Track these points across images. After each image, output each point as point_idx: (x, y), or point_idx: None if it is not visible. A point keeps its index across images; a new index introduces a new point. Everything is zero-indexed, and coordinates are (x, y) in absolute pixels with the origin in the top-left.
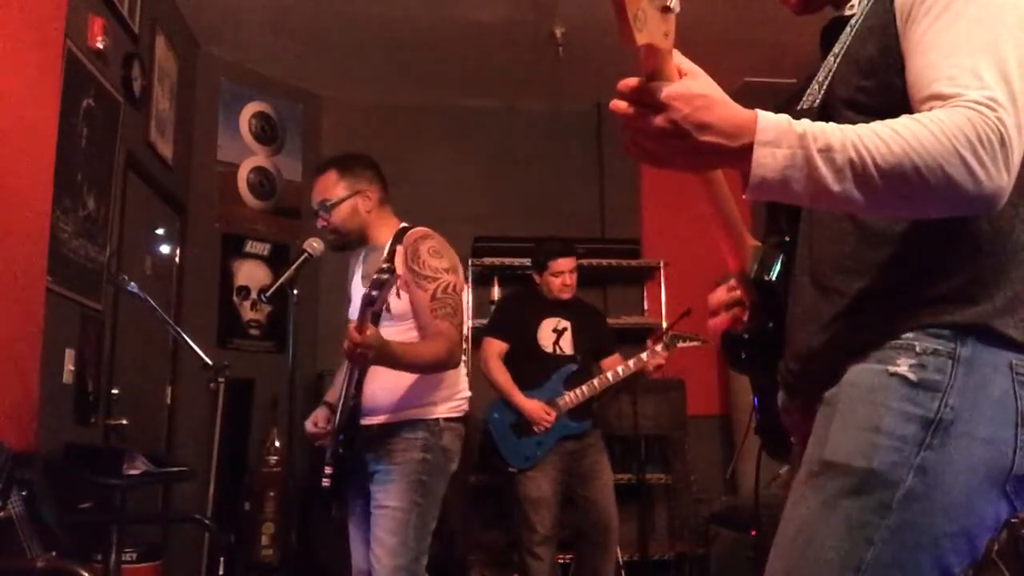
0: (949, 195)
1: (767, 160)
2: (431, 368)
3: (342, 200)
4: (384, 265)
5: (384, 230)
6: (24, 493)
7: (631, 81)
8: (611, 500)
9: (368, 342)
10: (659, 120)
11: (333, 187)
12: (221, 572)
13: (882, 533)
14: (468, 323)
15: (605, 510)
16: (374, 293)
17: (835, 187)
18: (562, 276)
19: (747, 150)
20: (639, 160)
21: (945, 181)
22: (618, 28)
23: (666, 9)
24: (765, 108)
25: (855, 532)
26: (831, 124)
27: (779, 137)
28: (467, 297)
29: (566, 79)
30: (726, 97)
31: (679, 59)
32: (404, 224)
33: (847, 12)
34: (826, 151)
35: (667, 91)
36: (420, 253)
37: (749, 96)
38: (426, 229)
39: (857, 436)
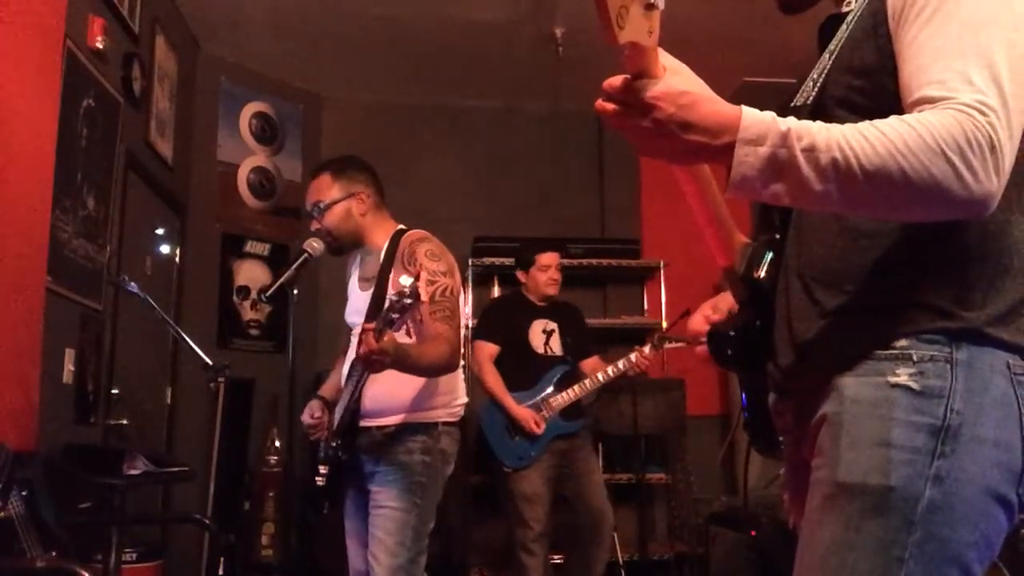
0: (936, 199)
1: (748, 158)
2: (435, 371)
3: (335, 202)
4: (406, 289)
5: (380, 233)
6: (24, 493)
7: (615, 80)
8: (604, 497)
9: (386, 348)
10: (644, 121)
11: (327, 190)
12: (221, 572)
13: (911, 550)
14: (466, 324)
15: (599, 508)
16: (394, 316)
17: (817, 187)
18: (549, 271)
19: (730, 148)
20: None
21: (932, 184)
22: (600, 27)
23: (650, 6)
24: (765, 108)
25: (885, 552)
26: (817, 123)
27: (762, 135)
28: (467, 297)
29: (566, 79)
30: (711, 93)
31: (661, 55)
32: (401, 227)
33: (844, 8)
34: (810, 150)
35: (651, 91)
36: (417, 256)
37: (748, 96)
38: (423, 232)
39: (869, 453)
